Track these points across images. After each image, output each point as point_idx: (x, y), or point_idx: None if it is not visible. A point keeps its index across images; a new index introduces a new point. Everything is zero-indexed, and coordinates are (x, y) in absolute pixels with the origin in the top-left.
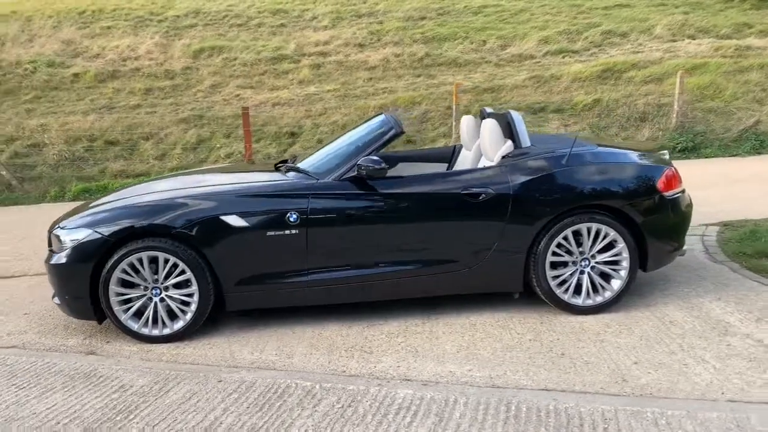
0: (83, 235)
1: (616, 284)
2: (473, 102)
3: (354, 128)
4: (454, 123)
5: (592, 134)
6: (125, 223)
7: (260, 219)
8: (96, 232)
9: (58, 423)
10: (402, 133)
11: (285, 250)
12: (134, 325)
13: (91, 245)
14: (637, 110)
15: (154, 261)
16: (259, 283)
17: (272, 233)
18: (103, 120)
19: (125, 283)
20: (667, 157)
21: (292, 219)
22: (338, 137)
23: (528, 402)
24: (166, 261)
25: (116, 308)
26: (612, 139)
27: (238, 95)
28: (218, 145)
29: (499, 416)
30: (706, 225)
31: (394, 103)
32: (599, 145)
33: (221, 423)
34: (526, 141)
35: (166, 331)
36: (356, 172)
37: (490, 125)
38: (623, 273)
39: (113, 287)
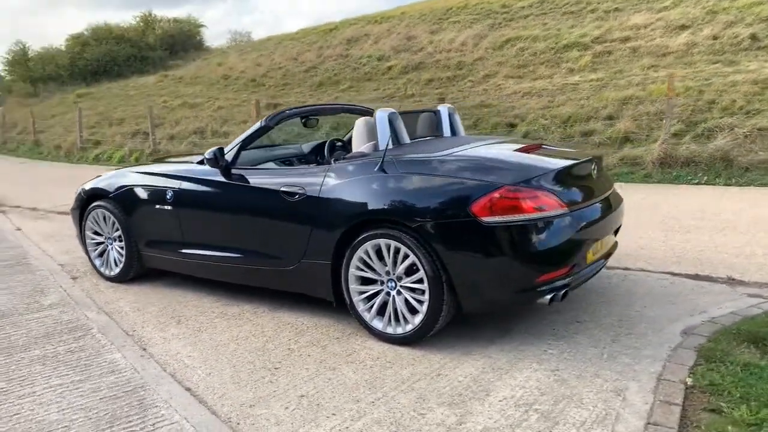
0: (79, 190)
1: (418, 318)
2: (748, 96)
3: None
4: (665, 121)
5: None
6: (91, 186)
7: (153, 194)
8: (83, 189)
9: None
10: (268, 126)
11: (166, 223)
12: (97, 263)
13: (79, 198)
14: None
15: (106, 218)
16: (156, 248)
17: (158, 207)
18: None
19: (95, 232)
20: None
21: (168, 196)
22: None
23: (144, 392)
24: (109, 218)
25: (90, 248)
26: None
27: (499, 85)
28: None
29: (98, 394)
30: None
31: (649, 95)
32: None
33: (12, 338)
34: (387, 142)
35: (112, 274)
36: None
37: (358, 124)
38: (424, 307)
39: (87, 232)
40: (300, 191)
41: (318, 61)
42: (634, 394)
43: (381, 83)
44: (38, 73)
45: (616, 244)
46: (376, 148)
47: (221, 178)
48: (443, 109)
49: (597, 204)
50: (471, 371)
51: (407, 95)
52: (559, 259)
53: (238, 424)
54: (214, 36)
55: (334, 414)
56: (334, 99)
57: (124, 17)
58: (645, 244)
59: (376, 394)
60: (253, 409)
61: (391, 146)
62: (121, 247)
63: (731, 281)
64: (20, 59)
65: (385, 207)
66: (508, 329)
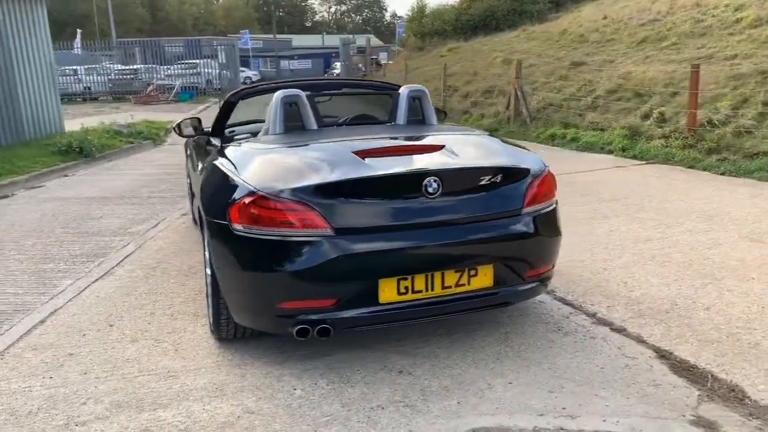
0: None
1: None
2: None
3: None
4: None
5: None
6: None
7: (190, 149)
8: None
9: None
10: (230, 102)
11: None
12: (187, 206)
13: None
14: None
15: None
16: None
17: (188, 162)
18: (638, 70)
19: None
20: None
21: (194, 155)
22: None
23: (20, 315)
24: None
25: (187, 191)
26: None
27: None
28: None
29: (2, 307)
30: None
31: None
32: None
33: (63, 252)
34: (276, 127)
35: (190, 216)
36: None
37: (270, 104)
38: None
39: (186, 179)
40: (204, 164)
41: (666, 12)
42: None
43: (712, 40)
44: (428, 28)
45: (521, 288)
46: (266, 132)
47: (201, 143)
48: (403, 92)
49: (421, 229)
50: (209, 381)
51: (727, 57)
52: (308, 288)
53: (1, 359)
54: None
55: (51, 378)
56: (644, 59)
57: None
58: (714, 303)
59: (106, 375)
60: (30, 352)
61: (280, 130)
62: None
63: (736, 398)
64: (417, 16)
65: (197, 194)
66: (351, 342)
